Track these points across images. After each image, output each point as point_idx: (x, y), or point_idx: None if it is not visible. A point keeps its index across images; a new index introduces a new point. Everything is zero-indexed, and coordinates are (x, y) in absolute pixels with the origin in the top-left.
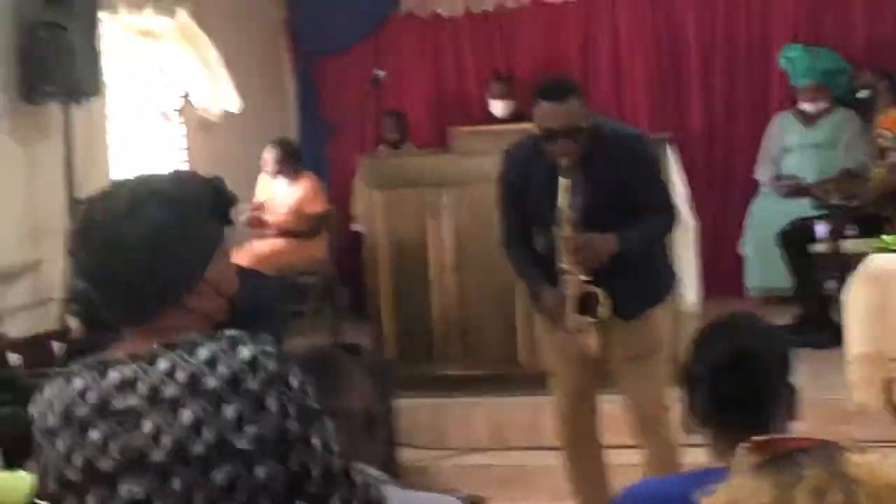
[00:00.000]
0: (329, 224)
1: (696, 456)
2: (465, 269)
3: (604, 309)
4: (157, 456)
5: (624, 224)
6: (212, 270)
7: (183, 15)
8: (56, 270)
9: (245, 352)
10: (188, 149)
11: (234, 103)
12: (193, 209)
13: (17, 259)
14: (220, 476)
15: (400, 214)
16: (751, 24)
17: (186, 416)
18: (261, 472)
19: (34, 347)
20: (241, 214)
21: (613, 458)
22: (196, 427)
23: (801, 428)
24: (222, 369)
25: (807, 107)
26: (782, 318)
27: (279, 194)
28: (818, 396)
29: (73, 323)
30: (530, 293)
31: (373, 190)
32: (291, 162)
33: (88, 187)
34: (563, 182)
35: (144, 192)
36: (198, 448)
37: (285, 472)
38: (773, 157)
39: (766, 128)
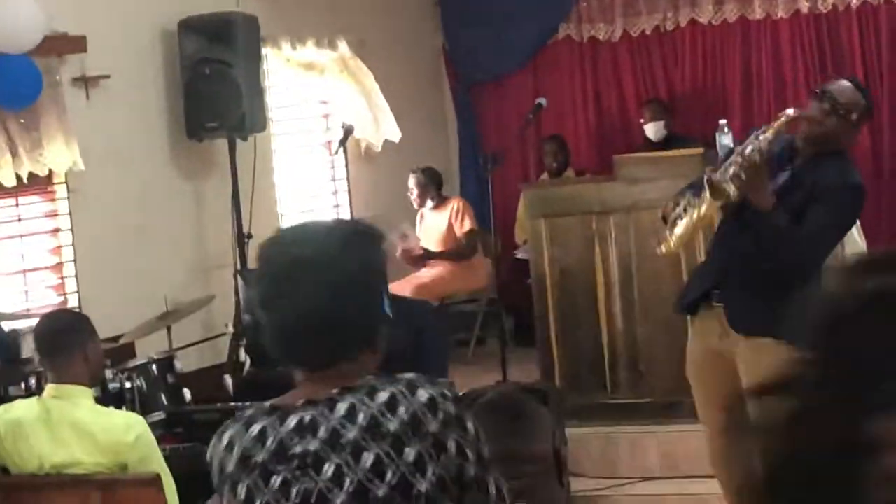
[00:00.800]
0: (485, 244)
1: None
2: (633, 296)
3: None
4: (339, 498)
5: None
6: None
7: (344, 47)
8: (226, 305)
9: (424, 394)
10: (349, 180)
11: (394, 133)
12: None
13: (188, 295)
14: None
15: (566, 242)
16: None
17: (368, 458)
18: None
19: (205, 381)
20: (394, 248)
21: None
22: (378, 469)
23: None
24: (402, 412)
25: None
26: None
27: (430, 223)
28: None
29: (244, 357)
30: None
31: (538, 218)
32: (435, 188)
33: (256, 222)
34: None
35: (347, 232)
36: (380, 490)
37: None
38: None
39: None
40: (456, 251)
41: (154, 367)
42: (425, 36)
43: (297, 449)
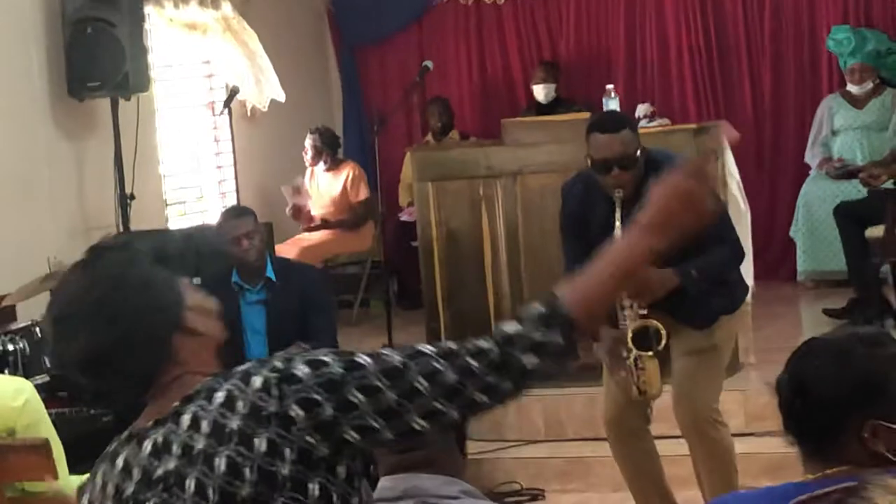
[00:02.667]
0: (373, 212)
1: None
2: (520, 259)
3: (662, 342)
4: None
5: (685, 255)
6: (187, 311)
7: (227, 7)
8: None
9: (257, 381)
10: (234, 140)
11: (279, 94)
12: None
13: (70, 257)
14: None
15: (452, 205)
16: (798, 8)
17: (221, 463)
18: (314, 487)
19: None
20: (286, 207)
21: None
22: (234, 471)
23: None
24: (240, 407)
25: (854, 88)
26: (834, 301)
27: (322, 184)
28: None
29: None
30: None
31: (425, 181)
32: (330, 150)
33: (138, 183)
34: (619, 214)
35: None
36: (244, 490)
37: (340, 456)
38: (822, 140)
39: (815, 111)
40: (352, 220)
41: (37, 329)
42: None
43: (159, 472)
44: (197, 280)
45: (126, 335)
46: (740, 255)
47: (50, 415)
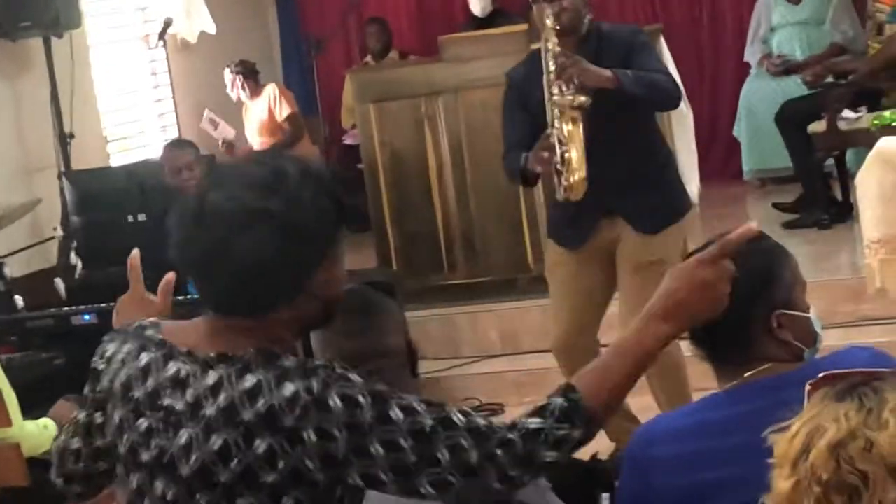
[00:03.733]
0: (314, 130)
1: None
2: (465, 176)
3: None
4: (185, 471)
5: (630, 117)
6: (317, 278)
7: None
8: (51, 207)
9: (289, 388)
10: (171, 73)
11: (209, 26)
12: (300, 218)
13: (12, 199)
14: (243, 502)
15: (395, 126)
16: None
17: (217, 442)
18: (288, 500)
19: (35, 287)
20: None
21: None
22: (224, 455)
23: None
24: (260, 405)
25: None
26: (781, 198)
27: (252, 112)
28: (828, 277)
29: (75, 260)
30: (521, 173)
31: (366, 103)
32: (250, 80)
33: (77, 121)
34: (551, 67)
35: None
36: (223, 476)
37: (332, 487)
38: (761, 38)
39: (753, 9)
40: (285, 140)
41: None
42: None
43: (167, 401)
44: (142, 216)
45: (285, 253)
46: (676, 87)
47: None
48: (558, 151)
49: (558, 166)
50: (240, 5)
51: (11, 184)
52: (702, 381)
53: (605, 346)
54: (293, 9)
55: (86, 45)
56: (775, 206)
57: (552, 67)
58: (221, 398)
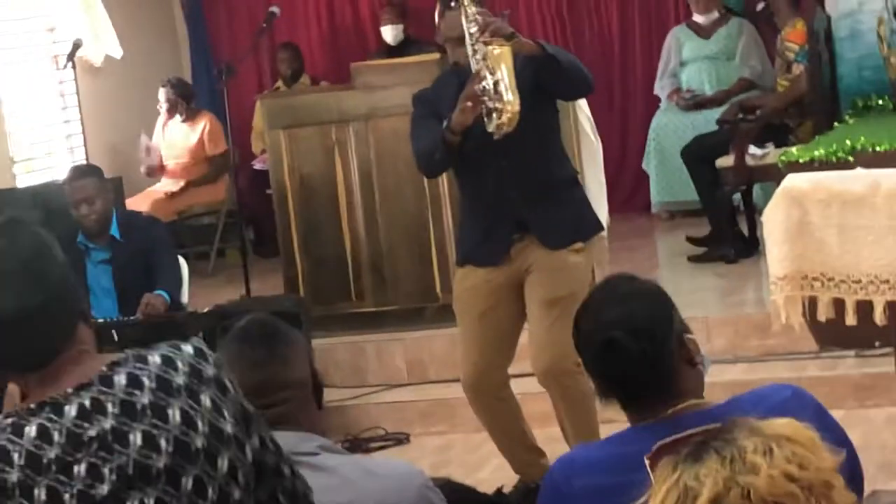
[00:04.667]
0: (226, 164)
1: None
2: (375, 204)
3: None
4: (161, 461)
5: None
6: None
7: None
8: None
9: (188, 347)
10: (80, 94)
11: (115, 50)
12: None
13: None
14: (223, 463)
15: (305, 152)
16: None
17: (175, 413)
18: (249, 451)
19: None
20: (140, 165)
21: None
22: (189, 421)
23: (719, 343)
24: (181, 366)
25: (700, 18)
26: (689, 231)
27: (177, 135)
28: (733, 311)
29: None
30: (443, 140)
31: (277, 129)
32: (185, 101)
33: None
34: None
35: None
36: (198, 441)
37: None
38: (670, 72)
39: (663, 43)
40: (211, 174)
41: None
42: None
43: (92, 432)
44: None
45: (47, 301)
46: (591, 78)
47: None
48: (490, 81)
49: (489, 102)
50: (149, 28)
51: None
52: (607, 412)
53: (516, 376)
54: (203, 32)
55: None
56: (689, 239)
57: (473, 30)
58: (147, 382)
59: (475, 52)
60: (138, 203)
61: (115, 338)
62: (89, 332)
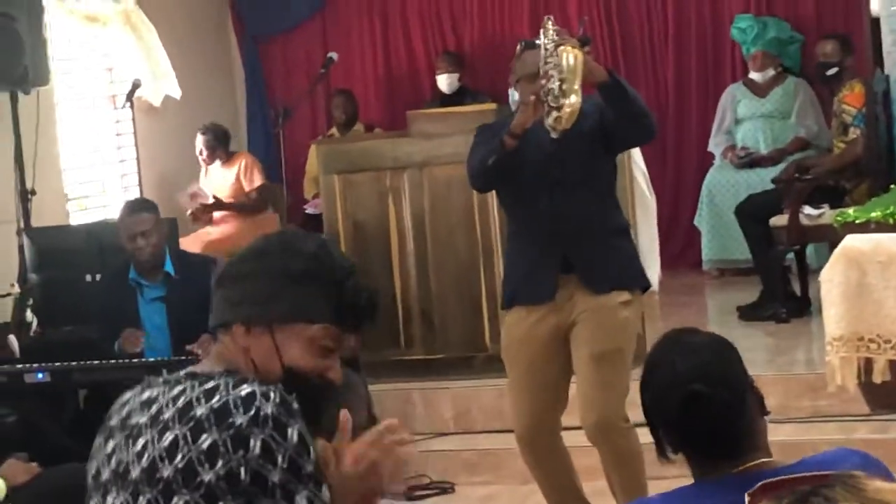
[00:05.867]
0: (276, 200)
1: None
2: (426, 252)
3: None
4: (135, 473)
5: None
6: (286, 333)
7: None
8: (10, 263)
9: (246, 389)
10: (136, 134)
11: (174, 90)
12: (313, 266)
13: None
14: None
15: (359, 197)
16: None
17: (168, 438)
18: None
19: None
20: (186, 209)
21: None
22: (171, 450)
23: (769, 403)
24: (215, 400)
25: (756, 76)
26: (739, 289)
27: (217, 180)
28: (784, 371)
29: (30, 317)
30: (500, 145)
31: (331, 174)
32: (222, 146)
33: (39, 178)
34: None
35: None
36: (166, 471)
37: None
38: (725, 129)
39: (719, 100)
40: (247, 204)
41: None
42: None
43: (133, 420)
44: (98, 276)
45: (276, 274)
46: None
47: None
48: (556, 81)
49: (552, 101)
50: (208, 71)
51: None
52: (654, 469)
53: (567, 428)
54: (259, 75)
55: (52, 103)
56: (739, 310)
57: (549, 44)
58: (181, 402)
59: (547, 59)
60: (190, 244)
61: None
62: (246, 340)
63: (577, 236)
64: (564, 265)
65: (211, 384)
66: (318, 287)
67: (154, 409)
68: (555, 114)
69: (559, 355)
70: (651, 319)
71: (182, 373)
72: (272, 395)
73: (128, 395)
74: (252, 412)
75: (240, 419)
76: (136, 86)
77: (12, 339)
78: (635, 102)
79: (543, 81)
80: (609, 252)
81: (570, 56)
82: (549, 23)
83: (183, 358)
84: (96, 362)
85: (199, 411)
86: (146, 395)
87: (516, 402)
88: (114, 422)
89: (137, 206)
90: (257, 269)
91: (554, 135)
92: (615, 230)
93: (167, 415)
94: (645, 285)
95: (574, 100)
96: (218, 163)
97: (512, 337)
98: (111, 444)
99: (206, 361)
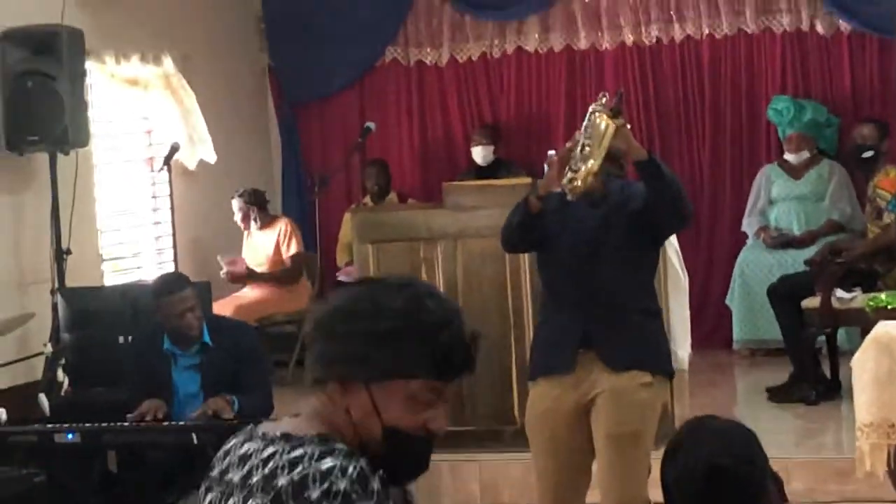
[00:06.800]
0: (309, 267)
1: None
2: None
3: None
4: None
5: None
6: (384, 391)
7: (168, 64)
8: (44, 322)
9: (328, 463)
10: (173, 197)
11: (209, 155)
12: (421, 331)
13: (4, 312)
14: None
15: (393, 267)
16: (737, 77)
17: None
18: None
19: (16, 400)
20: (220, 271)
21: None
22: None
23: (797, 486)
24: (297, 472)
25: (792, 158)
26: (769, 370)
27: (256, 242)
28: (813, 454)
29: (62, 377)
30: (524, 203)
31: (365, 243)
32: (259, 209)
33: (75, 238)
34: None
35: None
36: None
37: None
38: (759, 209)
39: (753, 180)
40: (281, 274)
41: None
42: (250, 53)
43: (230, 475)
44: (130, 338)
45: (367, 334)
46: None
47: None
48: (581, 143)
49: (572, 163)
50: (245, 135)
51: (5, 297)
52: None
53: None
54: (296, 142)
55: (91, 164)
56: (769, 391)
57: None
58: (269, 467)
59: (585, 126)
60: (223, 307)
61: (195, 441)
62: (343, 401)
63: (601, 312)
64: (584, 339)
65: (298, 452)
66: (412, 342)
67: (246, 468)
68: (570, 175)
69: (581, 432)
70: (680, 398)
71: (279, 431)
72: (350, 470)
73: (231, 442)
74: (325, 486)
75: (314, 493)
76: (174, 149)
77: (42, 398)
78: (671, 185)
79: (569, 144)
80: (632, 332)
81: (602, 123)
82: (604, 96)
83: (212, 422)
84: (126, 424)
85: (281, 482)
86: (245, 448)
87: (540, 478)
88: (214, 472)
89: (178, 284)
90: (348, 331)
91: (570, 197)
92: (643, 312)
93: (255, 479)
94: (668, 371)
95: (592, 164)
96: (255, 225)
97: (534, 412)
98: (209, 497)
99: (302, 419)
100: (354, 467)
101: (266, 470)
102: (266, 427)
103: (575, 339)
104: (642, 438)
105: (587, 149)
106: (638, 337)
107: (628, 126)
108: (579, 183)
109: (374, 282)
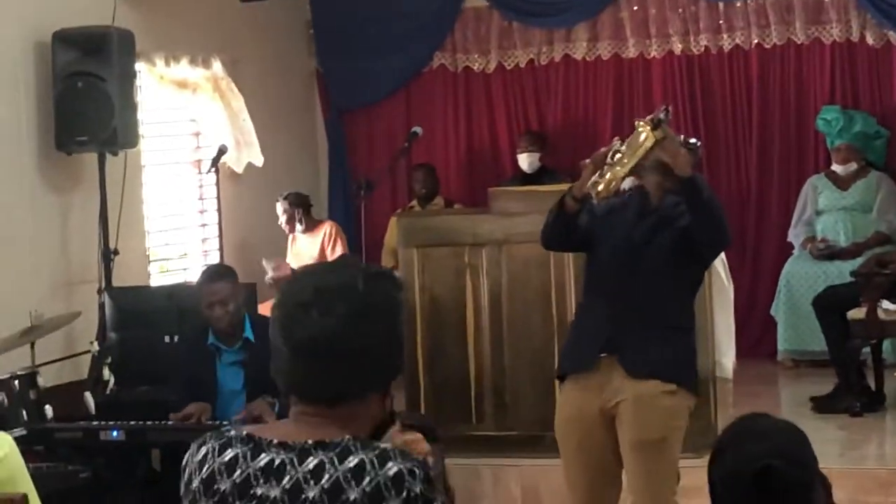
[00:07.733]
0: None
1: None
2: (502, 329)
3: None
4: None
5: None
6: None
7: (218, 66)
8: (88, 320)
9: (393, 468)
10: (220, 199)
11: (257, 159)
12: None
13: (51, 310)
14: None
15: (437, 272)
16: (786, 87)
17: None
18: None
19: (63, 398)
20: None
21: None
22: None
23: (839, 496)
24: (366, 483)
25: (839, 169)
26: (814, 381)
27: (301, 246)
28: (855, 465)
29: (107, 375)
30: (559, 203)
31: (410, 247)
32: (304, 212)
33: (122, 238)
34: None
35: (371, 271)
36: None
37: None
38: (805, 220)
39: (800, 190)
40: None
41: (16, 382)
42: (299, 59)
43: (259, 491)
44: (176, 338)
45: (372, 341)
46: (730, 235)
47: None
48: (615, 149)
49: (604, 167)
50: (292, 140)
51: (53, 295)
52: None
53: None
54: (342, 146)
55: (139, 165)
56: (812, 400)
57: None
58: (325, 479)
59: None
60: (268, 310)
61: None
62: (379, 407)
63: (628, 321)
64: (608, 344)
65: (354, 461)
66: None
67: (287, 482)
68: (594, 178)
69: (608, 438)
70: (723, 408)
71: (310, 440)
72: (417, 472)
73: (203, 450)
74: (404, 494)
75: (395, 501)
76: (221, 151)
77: (88, 396)
78: (709, 208)
79: (605, 149)
80: (655, 342)
81: (642, 134)
82: (663, 111)
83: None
84: (171, 423)
85: (352, 495)
86: (264, 461)
87: (570, 484)
88: (224, 487)
89: (215, 275)
90: (376, 341)
91: (594, 200)
92: (673, 327)
93: (312, 493)
94: (690, 385)
95: (618, 170)
96: (300, 228)
97: (562, 416)
98: None
99: (302, 424)
100: (419, 468)
101: (325, 484)
102: (256, 430)
103: (599, 342)
104: (667, 444)
105: (618, 156)
106: (662, 348)
107: (679, 138)
108: (601, 188)
109: (379, 286)
